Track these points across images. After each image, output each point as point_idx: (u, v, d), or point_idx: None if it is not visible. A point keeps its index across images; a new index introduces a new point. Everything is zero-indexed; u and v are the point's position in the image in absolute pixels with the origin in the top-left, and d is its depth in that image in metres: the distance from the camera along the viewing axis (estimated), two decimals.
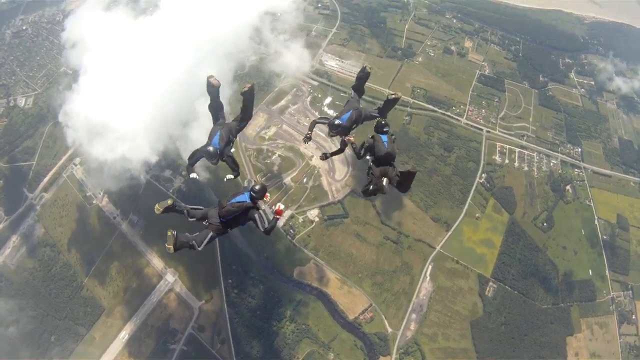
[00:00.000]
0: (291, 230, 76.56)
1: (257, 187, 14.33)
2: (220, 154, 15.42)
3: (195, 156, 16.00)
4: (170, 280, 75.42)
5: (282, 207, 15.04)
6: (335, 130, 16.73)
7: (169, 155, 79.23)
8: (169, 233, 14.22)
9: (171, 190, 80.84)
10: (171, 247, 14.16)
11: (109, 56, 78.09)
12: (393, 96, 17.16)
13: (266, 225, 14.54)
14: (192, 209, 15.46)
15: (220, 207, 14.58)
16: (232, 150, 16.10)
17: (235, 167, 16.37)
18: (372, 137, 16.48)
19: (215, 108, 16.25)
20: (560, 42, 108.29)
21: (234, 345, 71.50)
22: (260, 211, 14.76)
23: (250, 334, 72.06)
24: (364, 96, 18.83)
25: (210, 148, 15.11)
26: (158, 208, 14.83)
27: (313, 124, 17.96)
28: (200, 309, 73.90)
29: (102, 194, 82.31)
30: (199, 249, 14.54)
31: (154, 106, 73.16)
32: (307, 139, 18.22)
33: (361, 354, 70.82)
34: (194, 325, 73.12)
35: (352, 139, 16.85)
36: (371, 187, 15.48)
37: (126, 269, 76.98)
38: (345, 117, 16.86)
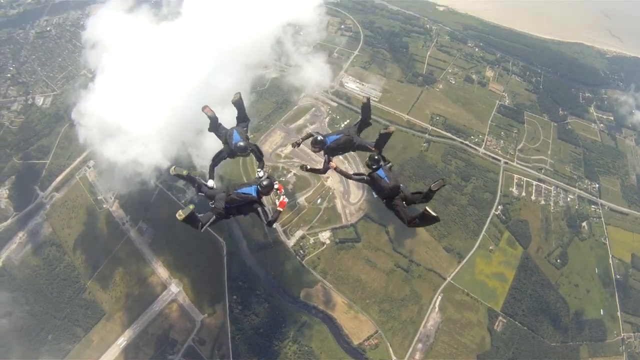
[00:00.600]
0: (301, 251, 74.84)
1: (264, 183, 14.84)
2: (249, 146, 16.70)
3: (219, 156, 17.37)
4: (174, 291, 73.75)
5: (285, 199, 15.71)
6: (317, 146, 16.75)
7: (181, 163, 77.98)
8: (190, 206, 14.75)
9: (183, 201, 79.55)
10: (182, 215, 14.38)
11: (127, 58, 77.70)
12: (385, 131, 16.55)
13: (269, 217, 14.98)
14: (204, 185, 16.28)
15: (227, 194, 15.12)
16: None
17: (260, 156, 17.66)
18: (369, 175, 16.21)
19: (214, 127, 17.52)
20: (581, 76, 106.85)
21: None
22: (265, 207, 15.23)
23: (250, 351, 69.86)
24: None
25: (241, 143, 16.35)
26: (173, 171, 15.78)
27: (307, 135, 18.00)
28: (203, 322, 72.04)
29: (113, 198, 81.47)
30: (200, 230, 15.09)
31: (169, 111, 72.53)
32: (296, 144, 18.57)
33: None
34: (194, 338, 71.27)
35: (333, 164, 17.21)
36: (417, 221, 15.27)
37: (130, 275, 75.51)
38: (332, 138, 16.94)
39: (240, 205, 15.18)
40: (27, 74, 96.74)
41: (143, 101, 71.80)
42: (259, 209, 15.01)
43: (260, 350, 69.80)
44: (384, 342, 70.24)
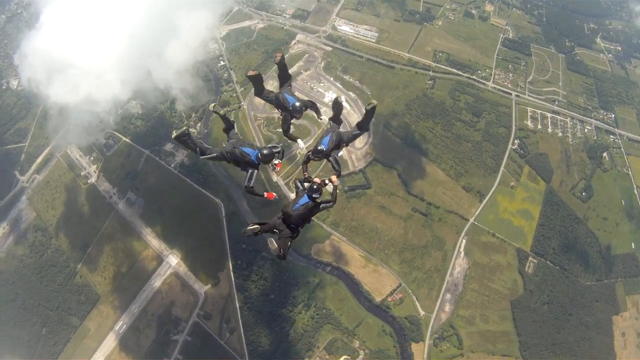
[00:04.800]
0: None
1: (264, 152, 14.05)
2: (306, 104, 16.12)
3: (287, 122, 16.21)
4: (171, 263, 64.00)
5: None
6: (319, 155, 15.04)
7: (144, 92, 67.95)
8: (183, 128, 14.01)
9: (172, 165, 70.00)
10: (176, 133, 13.76)
11: None
12: (371, 105, 15.53)
13: (250, 183, 14.16)
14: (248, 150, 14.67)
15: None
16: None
17: (318, 110, 17.22)
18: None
19: (283, 74, 16.46)
20: (583, 7, 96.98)
21: (245, 335, 59.86)
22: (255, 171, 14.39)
23: (262, 321, 60.44)
24: None
25: (297, 103, 15.53)
26: (212, 108, 15.10)
27: (307, 158, 15.60)
28: (206, 294, 62.40)
29: (97, 172, 71.60)
30: (199, 156, 14.54)
31: (125, 35, 63.00)
32: (308, 180, 14.75)
33: (390, 340, 59.14)
34: (199, 313, 61.79)
35: (334, 179, 14.92)
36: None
37: (123, 252, 65.96)
38: (326, 141, 15.20)
39: (237, 161, 14.29)
40: (0, 59, 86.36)
41: (96, 28, 61.13)
42: (250, 171, 14.11)
43: (272, 319, 60.43)
44: (409, 295, 61.03)
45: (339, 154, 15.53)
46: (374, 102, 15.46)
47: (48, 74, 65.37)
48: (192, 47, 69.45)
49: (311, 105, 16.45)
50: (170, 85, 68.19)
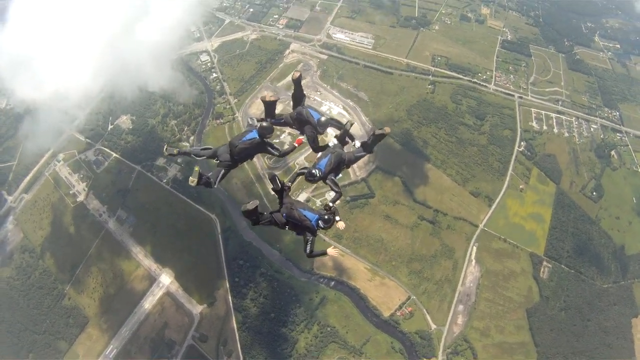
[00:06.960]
0: None
1: (264, 124, 13.74)
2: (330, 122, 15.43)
3: (315, 142, 15.62)
4: (164, 283, 59.33)
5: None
6: (312, 179, 13.99)
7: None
8: (196, 168, 13.74)
9: (165, 180, 66.24)
10: (195, 180, 13.42)
11: None
12: (380, 131, 14.66)
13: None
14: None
15: (233, 146, 13.98)
16: None
17: (341, 125, 16.13)
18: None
19: (299, 93, 15.70)
20: (579, 7, 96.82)
21: (243, 357, 55.25)
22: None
23: (262, 342, 55.80)
24: None
25: (323, 118, 14.95)
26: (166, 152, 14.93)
27: (295, 175, 14.89)
28: (202, 314, 58.00)
29: (86, 190, 66.95)
30: (214, 186, 13.98)
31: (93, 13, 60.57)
32: (287, 187, 14.22)
33: (400, 357, 54.76)
34: (194, 335, 57.34)
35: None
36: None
37: (113, 272, 61.35)
38: (323, 163, 14.19)
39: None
40: None
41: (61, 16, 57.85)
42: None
43: (273, 339, 55.71)
44: (419, 308, 56.75)
45: (338, 176, 14.62)
46: (388, 130, 14.64)
47: (13, 68, 62.24)
48: (167, 27, 66.16)
49: (332, 122, 15.60)
50: (143, 67, 65.25)
